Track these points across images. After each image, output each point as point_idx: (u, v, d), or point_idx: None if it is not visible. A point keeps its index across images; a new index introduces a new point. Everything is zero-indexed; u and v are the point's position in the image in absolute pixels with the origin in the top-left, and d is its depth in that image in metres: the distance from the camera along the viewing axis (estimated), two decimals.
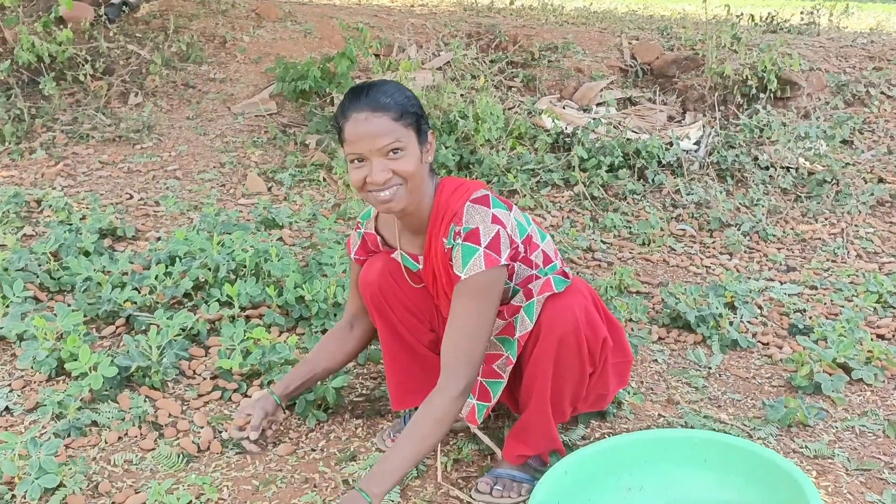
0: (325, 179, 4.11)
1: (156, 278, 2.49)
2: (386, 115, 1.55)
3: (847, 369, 2.39)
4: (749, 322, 2.75)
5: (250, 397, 2.10)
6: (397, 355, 1.86)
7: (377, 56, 5.17)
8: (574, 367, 1.68)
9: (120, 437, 1.91)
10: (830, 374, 2.32)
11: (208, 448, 1.89)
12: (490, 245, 1.59)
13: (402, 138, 1.56)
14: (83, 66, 4.77)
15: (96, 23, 5.37)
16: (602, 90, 5.49)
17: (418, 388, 1.85)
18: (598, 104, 5.39)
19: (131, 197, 3.75)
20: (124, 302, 2.38)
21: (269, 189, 3.99)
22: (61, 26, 4.91)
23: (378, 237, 1.86)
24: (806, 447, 2.03)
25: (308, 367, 1.91)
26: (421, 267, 1.78)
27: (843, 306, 2.91)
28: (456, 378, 1.59)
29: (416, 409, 1.91)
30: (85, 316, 2.39)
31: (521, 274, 1.73)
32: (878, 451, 2.05)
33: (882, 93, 5.37)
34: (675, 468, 1.74)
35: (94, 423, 1.94)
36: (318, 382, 1.99)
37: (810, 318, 2.80)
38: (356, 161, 1.58)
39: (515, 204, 2.80)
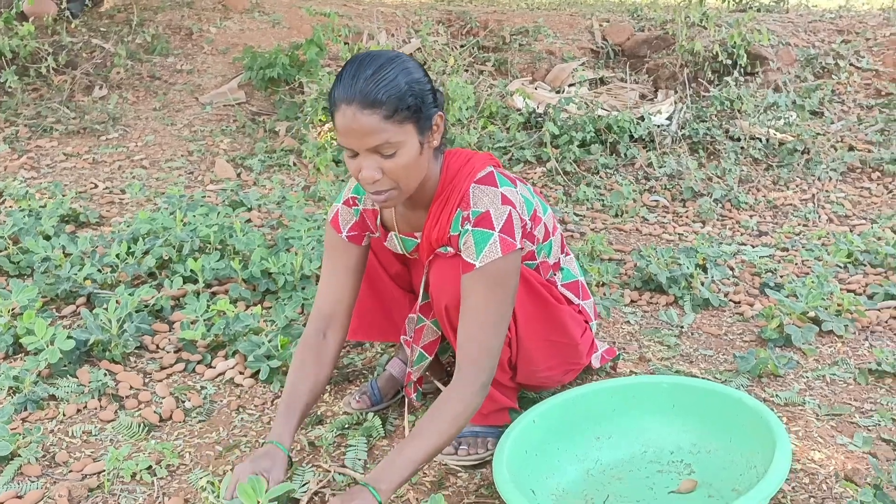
0: (294, 164, 4.07)
1: (117, 256, 2.44)
2: (376, 114, 1.38)
3: (817, 322, 2.38)
4: (721, 282, 2.74)
5: (218, 369, 2.06)
6: (373, 280, 1.80)
7: (346, 43, 5.13)
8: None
9: (79, 410, 1.86)
10: (800, 327, 2.31)
11: (170, 417, 1.85)
12: (504, 228, 1.49)
13: (393, 138, 1.41)
14: (46, 59, 4.70)
15: (59, 18, 5.29)
16: (574, 71, 5.49)
17: (374, 325, 1.82)
18: (570, 85, 5.38)
19: (96, 186, 3.69)
20: (84, 280, 2.33)
21: (239, 175, 3.95)
22: (23, 22, 4.83)
23: (378, 213, 1.71)
24: (776, 395, 2.02)
25: (301, 406, 1.59)
26: (418, 241, 1.69)
27: (813, 265, 2.91)
28: (475, 374, 1.48)
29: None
30: (44, 296, 2.34)
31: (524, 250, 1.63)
32: (849, 397, 2.04)
33: (851, 64, 5.40)
34: (643, 415, 1.72)
35: (52, 397, 1.89)
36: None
37: (781, 276, 2.80)
38: (348, 151, 1.45)
39: None
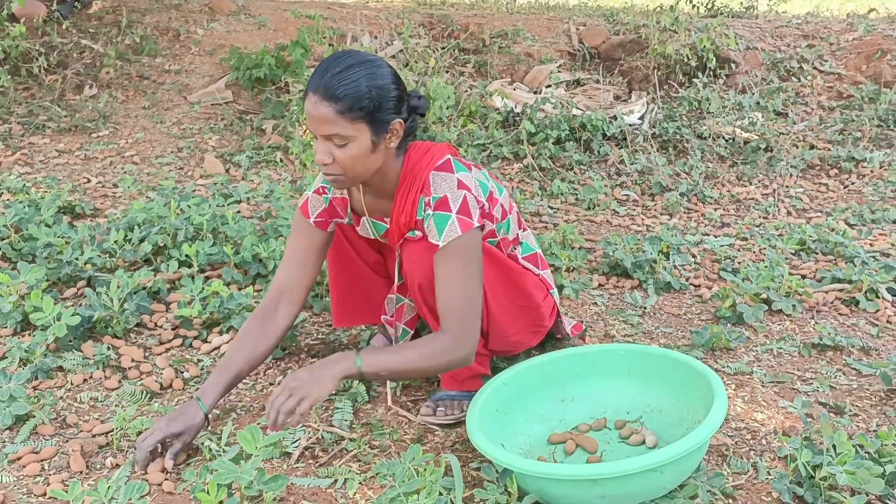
0: (281, 160, 4.22)
1: (115, 243, 2.59)
2: (332, 107, 1.56)
3: (768, 302, 2.58)
4: (683, 267, 2.94)
5: (213, 343, 2.21)
6: (340, 274, 1.98)
7: (331, 45, 5.29)
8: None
9: (85, 380, 2.01)
10: (751, 306, 2.51)
11: (170, 386, 2.01)
12: (461, 210, 1.65)
13: (343, 132, 1.58)
14: (37, 59, 4.82)
15: (49, 19, 5.42)
16: (551, 73, 5.69)
17: (356, 310, 1.99)
18: (548, 86, 5.58)
19: (89, 181, 3.83)
20: (85, 264, 2.48)
21: (227, 170, 4.09)
22: (14, 23, 4.95)
23: (348, 201, 1.88)
24: (727, 366, 2.21)
25: (235, 370, 1.78)
26: (388, 227, 1.84)
27: (768, 251, 3.11)
28: (454, 340, 1.63)
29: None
30: (47, 280, 2.48)
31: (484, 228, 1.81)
32: (792, 368, 2.24)
33: (814, 67, 5.64)
34: (602, 379, 1.90)
35: (60, 368, 2.04)
36: None
37: (738, 262, 3.00)
38: (312, 134, 1.63)
39: None
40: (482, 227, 1.72)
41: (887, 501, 1.63)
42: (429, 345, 1.64)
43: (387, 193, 1.78)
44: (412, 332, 1.98)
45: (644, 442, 1.76)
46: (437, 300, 1.68)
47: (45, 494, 1.58)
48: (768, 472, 1.71)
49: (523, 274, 1.88)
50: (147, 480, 1.60)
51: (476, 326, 1.67)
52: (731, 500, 1.63)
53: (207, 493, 1.40)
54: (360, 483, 1.64)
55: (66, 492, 1.45)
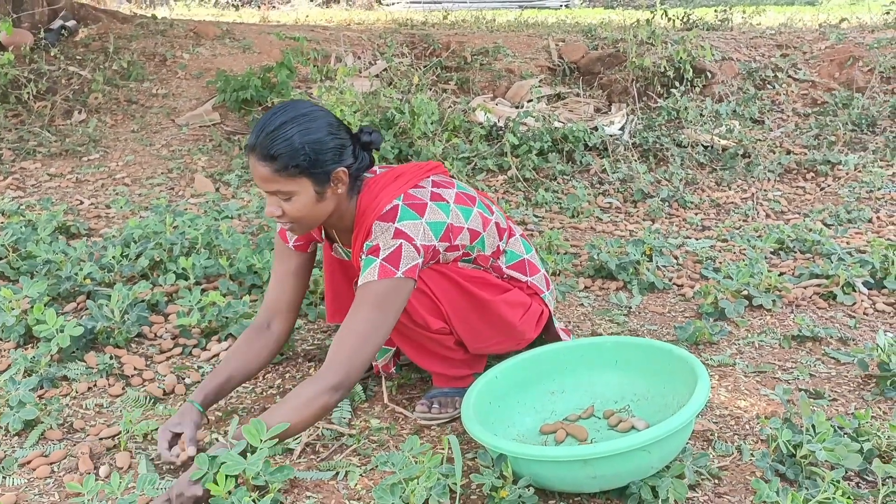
0: None
1: (113, 258, 2.65)
2: (269, 166, 1.61)
3: (749, 298, 2.67)
4: (665, 268, 3.03)
5: (213, 351, 2.27)
6: (333, 274, 2.04)
7: (315, 66, 5.39)
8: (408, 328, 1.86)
9: (89, 388, 2.07)
10: (733, 301, 2.60)
11: (173, 391, 2.06)
12: (388, 258, 1.67)
13: (284, 187, 1.63)
14: (26, 86, 4.89)
15: (36, 47, 5.49)
16: (532, 88, 5.81)
17: (345, 306, 2.05)
18: (529, 101, 5.70)
19: (81, 203, 3.89)
20: (84, 279, 2.54)
21: (217, 189, 4.16)
22: (1, 52, 5.02)
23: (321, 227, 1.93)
24: (711, 359, 2.29)
25: (226, 374, 1.82)
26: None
27: (748, 251, 3.21)
28: (332, 372, 1.62)
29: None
30: (48, 295, 2.53)
31: (448, 259, 1.84)
32: (773, 359, 2.32)
33: (789, 75, 5.80)
34: (590, 372, 1.97)
35: (65, 377, 2.10)
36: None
37: (720, 262, 3.10)
38: None
39: None
40: (411, 280, 1.70)
41: (865, 476, 1.71)
42: (293, 402, 1.61)
43: (347, 230, 1.85)
44: (392, 349, 2.08)
45: (632, 428, 1.83)
46: (339, 329, 1.70)
47: (56, 495, 1.63)
48: (752, 454, 1.79)
49: (491, 301, 1.88)
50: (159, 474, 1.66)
51: (359, 370, 1.66)
52: (716, 481, 1.70)
53: (216, 482, 1.45)
54: (360, 475, 1.70)
55: (81, 485, 1.51)
